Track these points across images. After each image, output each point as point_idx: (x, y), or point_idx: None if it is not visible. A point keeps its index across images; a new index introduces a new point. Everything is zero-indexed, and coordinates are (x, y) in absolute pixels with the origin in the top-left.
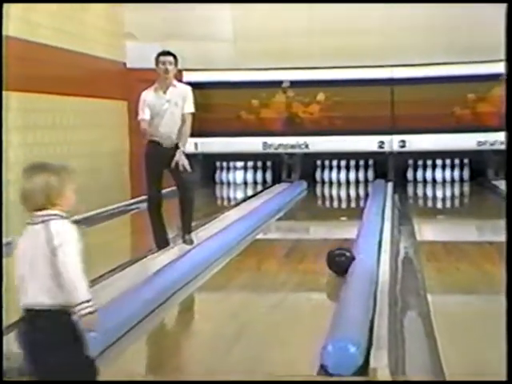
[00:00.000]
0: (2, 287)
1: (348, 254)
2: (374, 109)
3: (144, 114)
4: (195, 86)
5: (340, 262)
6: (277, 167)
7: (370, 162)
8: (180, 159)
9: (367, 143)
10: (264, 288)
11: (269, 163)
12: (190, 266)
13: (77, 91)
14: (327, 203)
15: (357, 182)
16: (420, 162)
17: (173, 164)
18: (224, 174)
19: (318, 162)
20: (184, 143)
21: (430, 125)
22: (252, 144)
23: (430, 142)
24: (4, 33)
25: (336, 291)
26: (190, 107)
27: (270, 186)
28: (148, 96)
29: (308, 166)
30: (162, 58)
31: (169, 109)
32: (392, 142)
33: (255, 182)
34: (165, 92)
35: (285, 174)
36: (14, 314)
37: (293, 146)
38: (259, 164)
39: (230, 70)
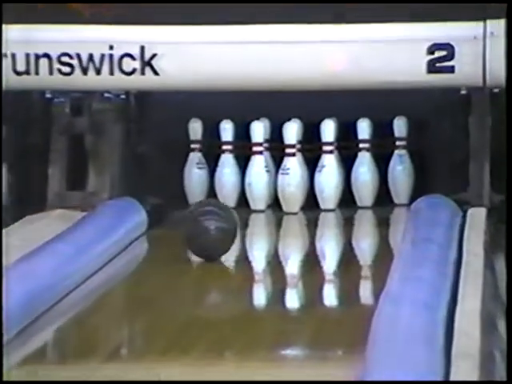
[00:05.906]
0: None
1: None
2: None
3: None
4: None
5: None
6: None
7: (400, 120)
8: None
9: (390, 55)
10: None
11: None
12: None
13: None
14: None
15: (348, 203)
16: None
17: None
18: None
19: (198, 127)
20: None
21: None
22: None
23: None
24: None
25: None
26: None
27: None
28: None
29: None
30: None
31: None
32: (491, 49)
33: None
34: None
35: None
36: None
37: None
38: None
39: None
